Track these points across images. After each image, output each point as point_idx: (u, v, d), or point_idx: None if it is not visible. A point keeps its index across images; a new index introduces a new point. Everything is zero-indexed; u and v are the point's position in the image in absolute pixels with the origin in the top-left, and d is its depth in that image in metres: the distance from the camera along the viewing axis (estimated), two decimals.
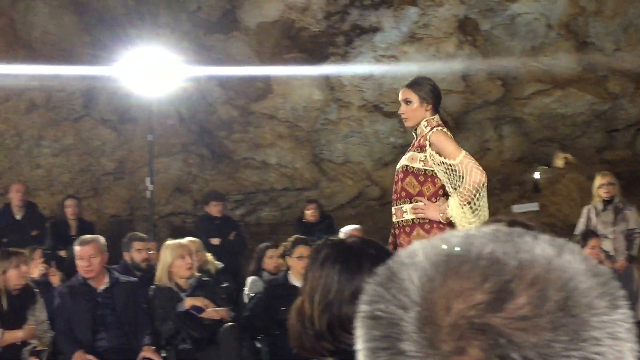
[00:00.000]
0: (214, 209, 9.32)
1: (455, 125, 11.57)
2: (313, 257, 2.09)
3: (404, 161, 4.49)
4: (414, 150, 4.45)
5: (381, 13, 10.94)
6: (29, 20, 10.58)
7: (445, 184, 4.32)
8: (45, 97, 10.64)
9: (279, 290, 6.35)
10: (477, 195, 4.23)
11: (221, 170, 11.52)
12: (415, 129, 4.52)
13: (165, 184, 10.99)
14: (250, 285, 7.11)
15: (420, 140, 4.44)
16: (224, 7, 11.26)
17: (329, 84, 11.46)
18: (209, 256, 7.19)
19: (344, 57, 11.26)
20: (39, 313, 5.74)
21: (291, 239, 6.63)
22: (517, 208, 10.85)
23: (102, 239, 5.90)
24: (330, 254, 1.99)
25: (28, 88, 10.39)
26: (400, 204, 4.43)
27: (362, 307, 0.83)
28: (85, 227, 8.61)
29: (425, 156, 4.36)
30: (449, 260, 0.80)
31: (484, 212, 4.29)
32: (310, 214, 9.73)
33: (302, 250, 6.44)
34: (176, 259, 6.08)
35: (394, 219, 4.49)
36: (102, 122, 11.02)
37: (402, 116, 4.53)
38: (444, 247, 0.82)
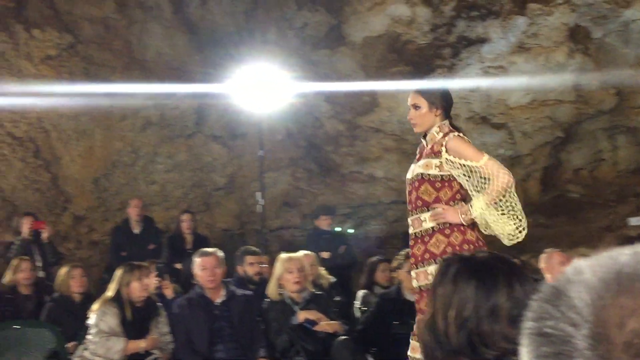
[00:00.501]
0: (323, 223, 9.41)
1: (567, 136, 11.36)
2: (443, 272, 2.08)
3: (418, 169, 4.33)
4: (428, 157, 4.31)
5: (488, 24, 10.81)
6: (143, 42, 10.98)
7: (467, 187, 4.22)
8: (159, 115, 11.01)
9: (391, 305, 6.35)
10: (507, 196, 4.14)
11: (328, 184, 11.63)
12: (425, 135, 4.40)
13: (274, 199, 11.16)
14: (362, 299, 7.13)
15: (432, 146, 4.31)
16: (330, 22, 11.38)
17: None
18: (322, 270, 7.25)
19: (451, 69, 11.18)
20: (161, 325, 5.92)
21: (403, 252, 6.60)
22: (634, 221, 10.48)
23: (221, 253, 6.06)
24: (462, 269, 1.99)
25: (143, 107, 10.77)
26: (417, 214, 4.30)
27: (529, 324, 0.84)
28: (201, 240, 8.85)
29: (441, 162, 4.24)
30: (619, 277, 0.80)
31: (519, 215, 4.16)
32: None
33: None
34: (284, 272, 6.16)
35: (411, 231, 4.36)
36: (213, 139, 11.31)
37: (411, 122, 4.43)
38: (613, 264, 0.82)
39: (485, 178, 4.14)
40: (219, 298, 5.97)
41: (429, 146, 4.32)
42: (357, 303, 7.20)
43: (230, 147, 11.37)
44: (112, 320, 5.71)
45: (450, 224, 4.19)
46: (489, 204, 4.10)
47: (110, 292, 5.86)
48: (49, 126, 10.68)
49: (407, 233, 9.88)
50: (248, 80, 9.54)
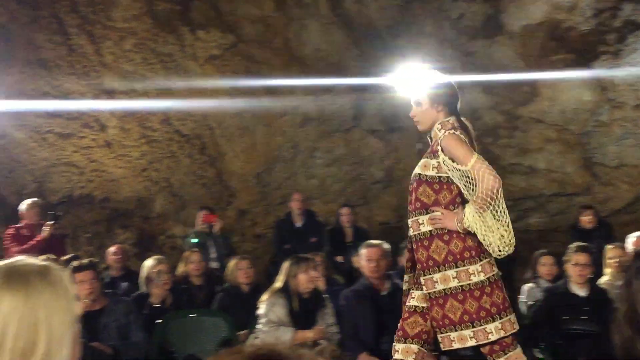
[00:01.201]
0: None
1: None
2: (637, 266, 2.02)
3: (417, 169, 4.19)
4: (427, 157, 4.16)
5: None
6: (302, 39, 11.20)
7: (462, 190, 4.03)
8: (318, 110, 11.21)
9: (559, 299, 6.18)
10: (494, 202, 3.91)
11: None
12: (430, 133, 4.25)
13: None
14: (528, 293, 6.98)
15: (434, 145, 4.15)
16: (487, 12, 11.17)
17: (600, 84, 10.95)
18: None
19: (616, 56, 10.70)
20: (327, 316, 6.04)
21: (572, 246, 6.42)
22: None
23: (387, 245, 6.11)
24: None
25: (302, 102, 11.00)
26: (416, 216, 4.14)
27: None
28: (361, 234, 8.95)
29: (439, 162, 4.05)
30: None
31: (505, 226, 3.96)
32: (586, 220, 9.35)
33: (580, 257, 6.23)
34: None
35: (410, 232, 4.21)
36: (370, 132, 11.39)
37: (414, 119, 4.31)
38: None
39: (473, 183, 3.95)
40: (385, 290, 6.02)
41: (432, 145, 4.19)
42: (523, 297, 7.06)
43: (388, 141, 11.40)
44: (280, 311, 5.88)
45: (448, 230, 4.04)
46: (478, 212, 3.91)
47: (278, 283, 6.04)
48: (213, 123, 11.12)
49: (573, 226, 9.56)
50: (405, 73, 9.54)
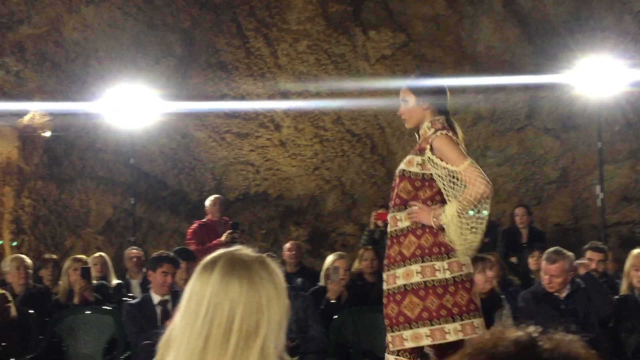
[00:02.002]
0: None
1: None
2: None
3: (401, 165, 4.14)
4: (413, 153, 4.11)
5: None
6: (474, 36, 11.06)
7: (443, 191, 3.96)
8: (489, 109, 11.02)
9: None
10: (479, 206, 3.87)
11: None
12: (418, 131, 4.18)
13: (612, 192, 10.62)
14: None
15: (422, 142, 4.08)
16: None
17: None
18: None
19: None
20: (505, 317, 5.93)
21: None
22: None
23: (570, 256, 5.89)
24: None
25: (474, 101, 10.85)
26: (395, 212, 4.10)
27: None
28: (536, 235, 8.71)
29: (424, 160, 4.01)
30: None
31: (483, 227, 3.93)
32: None
33: None
34: (631, 268, 5.97)
35: (388, 229, 4.15)
36: (545, 131, 11.06)
37: (402, 117, 4.26)
38: None
39: (463, 185, 3.87)
40: (564, 292, 5.84)
41: (419, 142, 4.12)
42: None
43: (563, 140, 11.03)
44: None
45: (423, 224, 3.97)
46: (460, 213, 3.84)
47: None
48: (384, 123, 11.19)
49: None
50: (584, 69, 9.20)
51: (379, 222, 8.19)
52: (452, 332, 3.92)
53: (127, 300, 6.70)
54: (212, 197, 8.88)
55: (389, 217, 4.19)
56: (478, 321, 4.04)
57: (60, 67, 10.64)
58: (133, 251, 8.54)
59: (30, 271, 7.12)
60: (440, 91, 4.25)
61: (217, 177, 11.09)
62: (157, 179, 11.06)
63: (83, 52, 10.61)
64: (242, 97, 10.90)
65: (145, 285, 7.81)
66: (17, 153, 10.66)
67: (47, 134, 10.72)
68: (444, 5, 10.97)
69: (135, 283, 8.22)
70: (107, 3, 10.49)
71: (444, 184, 3.97)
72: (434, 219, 3.95)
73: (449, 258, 3.96)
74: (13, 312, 6.05)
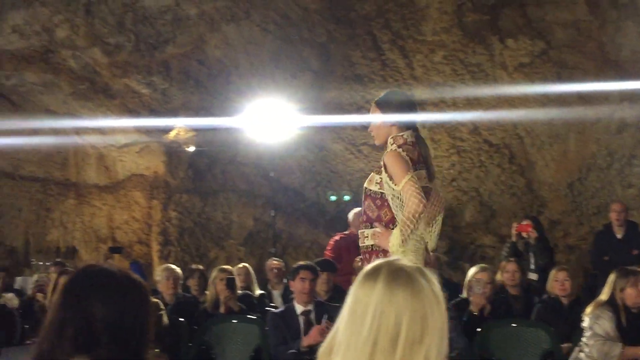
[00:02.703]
0: None
1: None
2: None
3: (365, 182, 4.19)
4: (375, 171, 4.14)
5: None
6: (617, 41, 10.65)
7: (393, 210, 3.97)
8: (636, 116, 10.57)
9: None
10: (413, 226, 3.82)
11: None
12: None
13: None
14: None
15: (382, 160, 4.09)
16: None
17: None
18: None
19: None
20: None
21: None
22: None
23: None
24: None
25: (618, 108, 10.44)
26: (363, 229, 4.16)
27: None
28: None
29: (381, 178, 4.02)
30: None
31: (418, 245, 3.93)
32: None
33: None
34: None
35: (360, 244, 4.22)
36: None
37: (371, 134, 4.30)
38: None
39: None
40: None
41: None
42: None
43: None
44: (607, 325, 5.61)
45: (384, 249, 3.98)
46: (402, 237, 3.84)
47: (603, 296, 5.78)
48: (522, 132, 10.96)
49: None
50: None
51: (524, 234, 8.02)
52: None
53: (270, 310, 6.85)
54: (355, 210, 8.86)
55: (359, 232, 4.26)
56: None
57: (203, 84, 11.05)
58: (274, 262, 8.72)
59: (181, 281, 7.40)
60: (407, 106, 4.24)
61: (354, 189, 11.18)
62: (295, 192, 11.28)
63: (224, 69, 10.98)
64: None
65: (286, 296, 7.96)
66: (163, 167, 11.15)
67: (191, 148, 11.16)
68: (586, 10, 10.63)
69: (276, 294, 8.39)
70: (247, 21, 10.81)
71: (393, 205, 3.99)
72: (390, 245, 3.96)
73: None
74: (165, 320, 6.30)
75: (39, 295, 7.54)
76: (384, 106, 4.24)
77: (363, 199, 4.23)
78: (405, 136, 4.12)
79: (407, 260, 1.91)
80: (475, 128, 10.96)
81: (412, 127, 4.22)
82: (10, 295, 7.69)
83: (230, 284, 6.91)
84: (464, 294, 6.82)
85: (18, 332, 6.46)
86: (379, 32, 10.89)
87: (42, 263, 10.41)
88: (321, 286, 6.97)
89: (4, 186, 12.27)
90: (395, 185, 3.94)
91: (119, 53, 10.73)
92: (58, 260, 10.01)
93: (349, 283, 7.02)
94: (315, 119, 10.47)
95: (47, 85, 11.25)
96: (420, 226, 3.92)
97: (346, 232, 8.67)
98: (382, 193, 4.06)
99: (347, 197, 11.16)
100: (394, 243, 3.91)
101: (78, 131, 11.95)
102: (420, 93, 10.83)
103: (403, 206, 3.93)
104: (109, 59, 10.80)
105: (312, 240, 11.06)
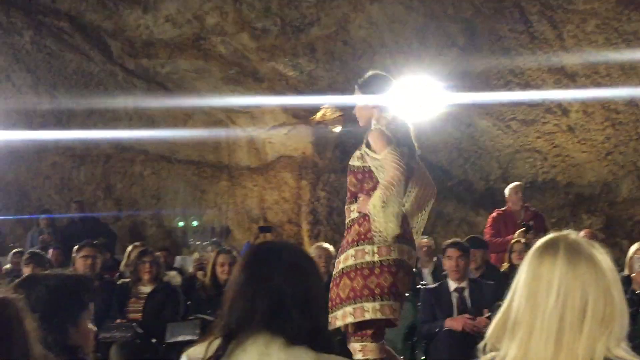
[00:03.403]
0: None
1: None
2: None
3: (350, 161, 4.46)
4: (358, 149, 4.42)
5: None
6: None
7: (379, 179, 4.21)
8: None
9: None
10: (393, 189, 4.07)
11: None
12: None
13: None
14: None
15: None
16: None
17: None
18: None
19: None
20: None
21: None
22: None
23: None
24: None
25: None
26: (348, 205, 4.42)
27: None
28: None
29: (362, 153, 4.33)
30: None
31: (399, 212, 4.12)
32: None
33: None
34: None
35: (345, 220, 4.44)
36: None
37: (356, 115, 4.61)
38: None
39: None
40: None
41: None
42: None
43: None
44: None
45: (364, 213, 4.22)
46: (382, 199, 4.06)
47: None
48: None
49: None
50: None
51: None
52: (370, 310, 4.15)
53: (422, 286, 6.85)
54: (512, 185, 8.66)
55: (345, 208, 4.49)
56: (397, 304, 4.27)
57: (347, 64, 11.12)
58: (423, 240, 8.70)
59: (333, 260, 7.51)
60: (386, 86, 4.56)
61: (502, 166, 10.97)
62: (442, 169, 11.18)
63: (369, 48, 11.00)
64: (526, 84, 10.66)
65: (436, 274, 7.95)
66: (311, 148, 11.34)
67: (338, 129, 11.28)
68: None
69: (426, 272, 8.38)
70: None
71: (378, 175, 4.23)
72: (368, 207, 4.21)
73: (374, 244, 4.20)
74: None
75: (199, 273, 7.88)
76: (367, 89, 4.56)
77: (348, 178, 4.50)
78: (387, 116, 4.44)
79: (574, 233, 1.87)
80: (632, 99, 10.47)
81: (397, 108, 4.56)
82: (173, 273, 8.08)
83: None
84: (626, 272, 6.58)
85: (182, 309, 6.76)
86: (526, 3, 10.56)
87: (199, 243, 10.84)
88: (472, 264, 6.91)
89: (162, 170, 12.86)
90: (377, 155, 4.24)
91: (266, 37, 10.97)
92: (214, 239, 10.43)
93: (502, 260, 6.92)
94: (461, 96, 10.32)
95: (198, 72, 11.67)
96: (401, 194, 4.16)
97: (503, 208, 8.54)
98: (363, 167, 4.34)
99: None
100: (375, 204, 4.12)
101: (229, 115, 12.34)
102: (571, 65, 10.45)
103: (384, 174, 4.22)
104: (256, 44, 11.06)
105: (460, 218, 10.95)
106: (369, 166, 4.30)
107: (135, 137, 12.57)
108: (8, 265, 8.64)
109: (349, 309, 4.20)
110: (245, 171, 12.59)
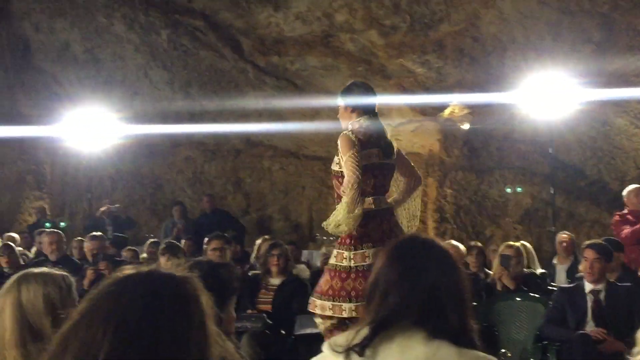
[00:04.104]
0: None
1: None
2: None
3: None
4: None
5: None
6: None
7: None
8: None
9: None
10: (350, 193, 4.36)
11: None
12: None
13: None
14: None
15: None
16: None
17: None
18: None
19: None
20: None
21: None
22: None
23: None
24: None
25: None
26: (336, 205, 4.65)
27: None
28: None
29: (339, 158, 4.58)
30: None
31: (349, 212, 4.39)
32: None
33: None
34: None
35: None
36: None
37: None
38: None
39: None
40: None
41: None
42: None
43: None
44: None
45: None
46: (345, 202, 4.40)
47: None
48: None
49: None
50: None
51: None
52: (347, 310, 4.55)
53: (555, 287, 6.70)
54: (631, 187, 8.42)
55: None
56: None
57: (477, 60, 10.97)
58: (563, 235, 8.55)
59: (464, 260, 7.46)
60: (364, 95, 4.81)
61: (639, 166, 10.54)
62: (575, 169, 10.86)
63: (499, 44, 10.80)
64: None
65: (571, 273, 7.75)
66: (438, 145, 11.25)
67: (466, 126, 11.14)
68: None
69: (561, 269, 8.20)
70: None
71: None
72: None
73: (354, 250, 4.60)
74: None
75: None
76: (346, 96, 4.84)
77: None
78: (361, 121, 4.70)
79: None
80: None
81: (369, 112, 4.76)
82: (302, 266, 8.22)
83: (504, 261, 6.86)
84: None
85: None
86: None
87: (325, 238, 10.95)
88: (610, 266, 6.68)
89: (290, 165, 13.08)
90: (342, 160, 4.56)
91: (394, 34, 10.96)
92: None
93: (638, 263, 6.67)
94: (597, 93, 9.97)
95: (327, 69, 11.79)
96: (355, 197, 4.41)
97: (624, 211, 8.27)
98: (341, 171, 4.60)
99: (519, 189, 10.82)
100: (341, 207, 4.46)
101: None
102: None
103: None
104: (385, 40, 11.07)
105: (593, 220, 10.60)
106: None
107: (264, 132, 12.83)
108: (144, 255, 9.02)
109: (328, 304, 4.64)
110: None
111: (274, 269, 6.93)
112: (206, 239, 7.73)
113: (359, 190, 4.42)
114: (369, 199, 4.62)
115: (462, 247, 7.41)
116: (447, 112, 11.17)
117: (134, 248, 9.17)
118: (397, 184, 4.98)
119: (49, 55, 13.10)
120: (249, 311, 6.64)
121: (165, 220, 12.38)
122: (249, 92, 12.28)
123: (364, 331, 2.05)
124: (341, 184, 4.59)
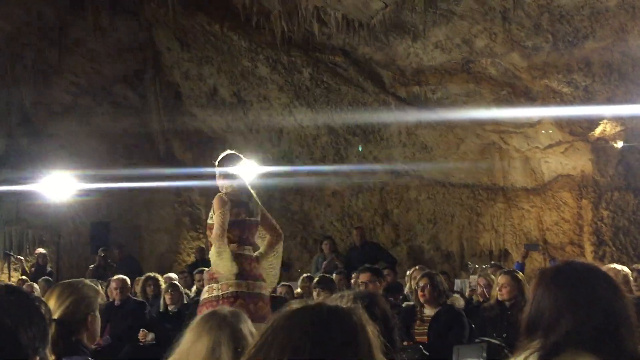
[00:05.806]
0: None
1: None
2: None
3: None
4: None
5: None
6: None
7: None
8: None
9: None
10: (217, 242, 5.44)
11: None
12: None
13: None
14: None
15: None
16: None
17: None
18: None
19: None
20: None
21: None
22: None
23: None
24: None
25: None
26: None
27: None
28: None
29: (212, 214, 5.59)
30: None
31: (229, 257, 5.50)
32: None
33: None
34: None
35: None
36: None
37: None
38: None
39: None
40: None
41: None
42: None
43: None
44: None
45: None
46: (216, 251, 5.48)
47: None
48: None
49: None
50: None
51: None
52: None
53: None
54: None
55: None
56: None
57: (627, 75, 10.55)
58: None
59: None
60: (233, 164, 5.69)
61: None
62: None
63: None
64: None
65: None
66: (591, 165, 10.86)
67: (619, 144, 10.70)
68: None
69: None
70: None
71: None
72: None
73: (219, 282, 5.50)
74: None
75: (475, 296, 7.84)
76: (220, 166, 5.70)
77: None
78: (233, 185, 5.66)
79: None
80: None
81: (237, 180, 5.69)
82: (456, 296, 8.11)
83: None
84: None
85: (467, 331, 6.73)
86: None
87: (477, 266, 10.78)
88: None
89: (437, 194, 12.99)
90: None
91: (537, 55, 10.73)
92: (493, 262, 10.30)
93: None
94: None
95: (469, 95, 11.68)
96: (222, 246, 5.42)
97: None
98: (213, 224, 5.50)
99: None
100: (211, 254, 5.47)
101: (502, 136, 12.20)
102: None
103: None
104: (527, 62, 10.86)
105: None
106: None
107: (409, 163, 12.85)
108: (299, 290, 9.18)
109: None
110: (521, 192, 12.34)
111: (422, 299, 6.87)
112: (354, 274, 7.77)
113: (224, 240, 5.43)
114: (234, 245, 5.56)
115: (626, 269, 7.07)
116: (597, 130, 10.77)
117: (288, 284, 9.34)
118: (262, 239, 5.90)
119: (198, 100, 13.72)
120: (405, 343, 6.60)
121: (315, 255, 12.54)
122: (392, 123, 12.35)
123: (533, 358, 2.01)
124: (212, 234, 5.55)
